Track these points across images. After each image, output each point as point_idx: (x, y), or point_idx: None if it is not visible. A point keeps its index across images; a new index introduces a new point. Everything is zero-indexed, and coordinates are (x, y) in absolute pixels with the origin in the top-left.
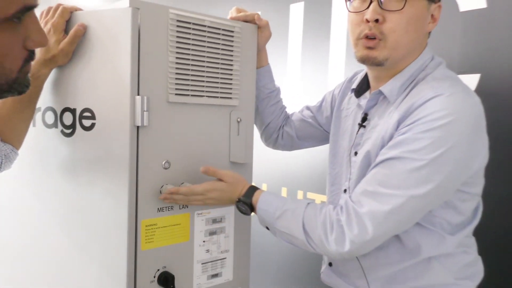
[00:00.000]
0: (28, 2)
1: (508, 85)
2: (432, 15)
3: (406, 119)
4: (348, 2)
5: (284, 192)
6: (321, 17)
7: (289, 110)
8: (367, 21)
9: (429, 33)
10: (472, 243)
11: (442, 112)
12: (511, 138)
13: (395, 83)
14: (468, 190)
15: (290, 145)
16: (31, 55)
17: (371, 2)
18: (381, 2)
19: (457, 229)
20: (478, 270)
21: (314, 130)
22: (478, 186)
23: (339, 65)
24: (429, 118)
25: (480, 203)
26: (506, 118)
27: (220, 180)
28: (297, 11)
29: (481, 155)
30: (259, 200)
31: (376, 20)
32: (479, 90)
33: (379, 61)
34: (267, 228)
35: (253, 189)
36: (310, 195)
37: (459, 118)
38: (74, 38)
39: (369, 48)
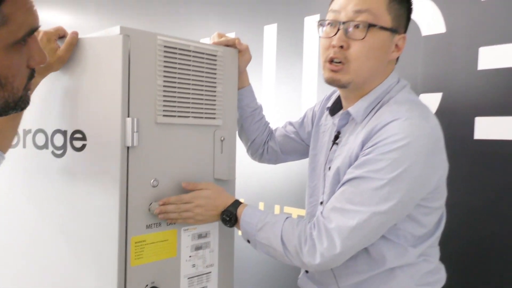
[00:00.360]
0: (34, 24)
1: (467, 102)
2: (396, 45)
3: (369, 141)
4: (320, 28)
5: (261, 206)
6: (293, 38)
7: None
8: (334, 46)
9: (397, 59)
10: (435, 252)
11: (399, 135)
12: (471, 152)
13: (361, 104)
14: (429, 204)
15: (275, 159)
16: (33, 73)
17: (338, 30)
18: (346, 30)
19: (419, 241)
20: (440, 278)
21: (297, 145)
22: (439, 200)
23: (312, 83)
24: (387, 141)
25: (443, 215)
26: (466, 132)
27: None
28: (270, 32)
29: (438, 173)
30: (243, 213)
31: (342, 46)
32: (441, 108)
33: (342, 84)
34: (248, 241)
35: (238, 202)
36: (287, 209)
37: (414, 141)
38: (70, 45)
39: (334, 71)
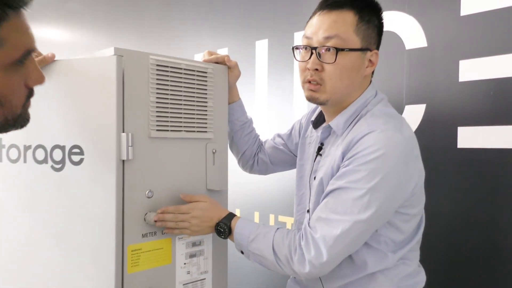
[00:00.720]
0: (30, 46)
1: (450, 113)
2: (370, 60)
3: (348, 153)
4: (296, 51)
5: (256, 216)
6: (284, 52)
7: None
8: (309, 69)
9: (372, 72)
10: (414, 256)
11: (375, 147)
12: (455, 160)
13: (340, 118)
14: (407, 211)
15: (265, 170)
16: (31, 92)
17: (311, 54)
18: (319, 54)
19: (399, 247)
20: (419, 280)
21: (286, 156)
22: (417, 206)
23: (303, 95)
24: (364, 152)
25: (422, 220)
26: (449, 141)
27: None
28: (262, 47)
29: (414, 181)
30: (236, 225)
31: (316, 69)
32: (425, 119)
33: (321, 102)
34: (242, 252)
35: (232, 215)
36: (282, 218)
37: (389, 152)
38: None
39: (312, 90)
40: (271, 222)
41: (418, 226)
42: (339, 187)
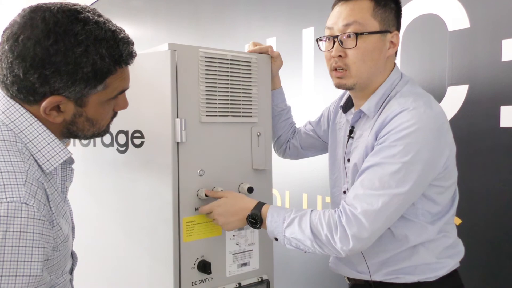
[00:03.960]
0: (125, 88)
1: (492, 93)
2: (391, 41)
3: (381, 131)
4: (320, 42)
5: (305, 197)
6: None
7: (305, 120)
8: (333, 57)
9: (395, 53)
10: (452, 227)
11: (408, 123)
12: (498, 139)
13: (371, 102)
14: (441, 184)
15: (296, 155)
16: (115, 114)
17: (334, 43)
18: (341, 42)
19: (436, 218)
20: (458, 251)
21: (314, 141)
22: (450, 179)
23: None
24: (399, 129)
25: (455, 193)
26: (492, 121)
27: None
28: (308, 35)
29: (445, 154)
30: (268, 213)
31: (340, 56)
32: (468, 99)
33: (349, 87)
34: (276, 239)
35: (261, 204)
36: (329, 199)
37: (422, 127)
38: None
39: (339, 78)
40: (319, 203)
41: (452, 199)
42: (375, 163)
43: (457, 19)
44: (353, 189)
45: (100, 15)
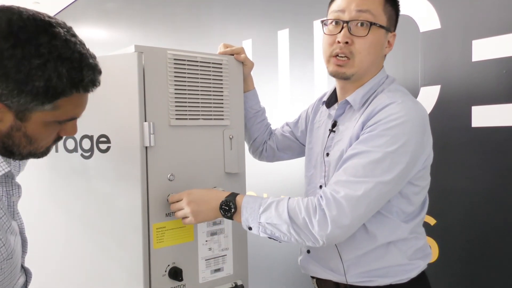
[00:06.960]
0: (76, 115)
1: (464, 93)
2: (388, 41)
3: (369, 121)
4: (324, 27)
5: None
6: (304, 41)
7: (282, 121)
8: (339, 42)
9: (385, 56)
10: (422, 231)
11: (398, 114)
12: (470, 139)
13: (358, 93)
14: (418, 183)
15: (272, 156)
16: (59, 137)
17: (342, 28)
18: (350, 28)
19: (409, 218)
20: (428, 253)
21: (291, 143)
22: (426, 180)
23: (323, 80)
24: (388, 119)
25: (426, 198)
26: (464, 120)
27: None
28: (283, 37)
29: (427, 151)
30: (244, 200)
31: (347, 42)
32: (440, 99)
33: (347, 76)
34: (250, 228)
35: (235, 194)
36: None
37: (409, 119)
38: None
39: (339, 65)
40: None
41: (424, 202)
42: (361, 151)
43: (428, 20)
44: (336, 176)
45: (74, 35)
